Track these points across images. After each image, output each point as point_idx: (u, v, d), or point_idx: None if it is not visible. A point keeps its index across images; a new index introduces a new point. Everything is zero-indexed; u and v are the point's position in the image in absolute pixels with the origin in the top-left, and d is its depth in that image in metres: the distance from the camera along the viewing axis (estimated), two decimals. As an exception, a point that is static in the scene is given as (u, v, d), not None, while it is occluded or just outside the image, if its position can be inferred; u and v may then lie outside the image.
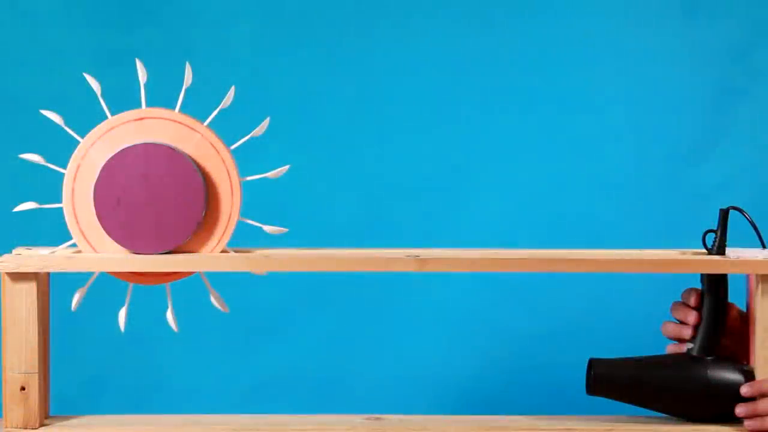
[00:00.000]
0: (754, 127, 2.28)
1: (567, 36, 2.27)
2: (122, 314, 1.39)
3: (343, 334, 2.25)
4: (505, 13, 2.28)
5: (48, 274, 1.39)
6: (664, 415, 1.41)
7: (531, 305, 2.23)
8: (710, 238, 1.41)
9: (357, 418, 1.41)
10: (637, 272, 1.38)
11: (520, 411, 1.46)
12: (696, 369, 1.39)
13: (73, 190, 1.37)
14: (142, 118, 1.38)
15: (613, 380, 1.40)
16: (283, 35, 2.28)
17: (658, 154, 2.28)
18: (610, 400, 1.42)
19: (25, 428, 1.36)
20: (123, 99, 2.28)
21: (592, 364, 1.40)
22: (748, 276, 1.39)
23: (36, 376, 1.35)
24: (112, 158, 1.36)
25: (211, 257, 1.37)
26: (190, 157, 1.35)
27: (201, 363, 2.25)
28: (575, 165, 2.27)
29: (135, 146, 1.36)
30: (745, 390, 1.37)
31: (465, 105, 2.26)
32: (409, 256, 1.37)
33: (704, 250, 1.42)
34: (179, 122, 1.38)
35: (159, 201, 1.35)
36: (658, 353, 1.45)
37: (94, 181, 1.36)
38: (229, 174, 1.37)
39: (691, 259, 1.39)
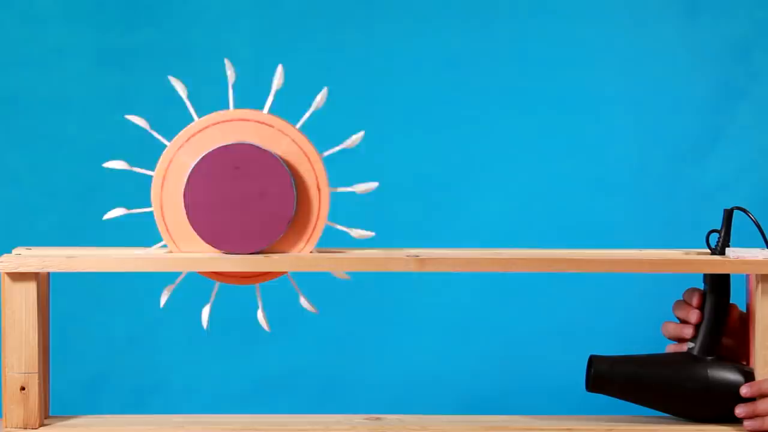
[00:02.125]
0: (754, 127, 2.28)
1: (567, 36, 2.27)
2: (205, 312, 1.39)
3: (342, 334, 2.25)
4: (506, 13, 2.28)
5: (48, 274, 1.39)
6: (664, 414, 1.41)
7: (531, 305, 2.24)
8: (714, 238, 1.41)
9: (357, 418, 1.41)
10: (638, 272, 1.38)
11: (519, 411, 1.46)
12: (696, 369, 1.39)
13: (161, 192, 1.37)
14: (230, 120, 1.37)
15: (613, 378, 1.40)
16: (283, 35, 2.28)
17: (659, 154, 2.28)
18: (609, 399, 1.42)
19: (25, 428, 1.36)
20: (123, 99, 2.29)
21: (593, 361, 1.41)
22: (748, 276, 1.39)
23: (36, 376, 1.35)
24: (203, 159, 1.35)
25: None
26: (280, 157, 1.36)
27: (201, 363, 2.25)
28: (575, 165, 2.27)
29: (225, 147, 1.35)
30: (745, 390, 1.37)
31: (465, 105, 2.26)
32: (409, 256, 1.37)
33: (708, 250, 1.42)
34: (267, 124, 1.37)
35: (249, 202, 1.35)
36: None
37: (184, 183, 1.36)
38: (316, 176, 1.37)
39: (691, 259, 1.39)
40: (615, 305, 2.25)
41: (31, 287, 1.35)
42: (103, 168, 2.27)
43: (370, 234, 1.39)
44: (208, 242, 1.36)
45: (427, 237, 2.20)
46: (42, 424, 1.37)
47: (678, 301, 1.43)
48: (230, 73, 1.40)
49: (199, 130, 1.38)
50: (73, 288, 2.05)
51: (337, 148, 1.39)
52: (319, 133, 2.29)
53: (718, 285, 1.40)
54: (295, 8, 2.27)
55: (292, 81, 2.30)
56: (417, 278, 2.19)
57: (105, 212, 2.26)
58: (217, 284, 1.39)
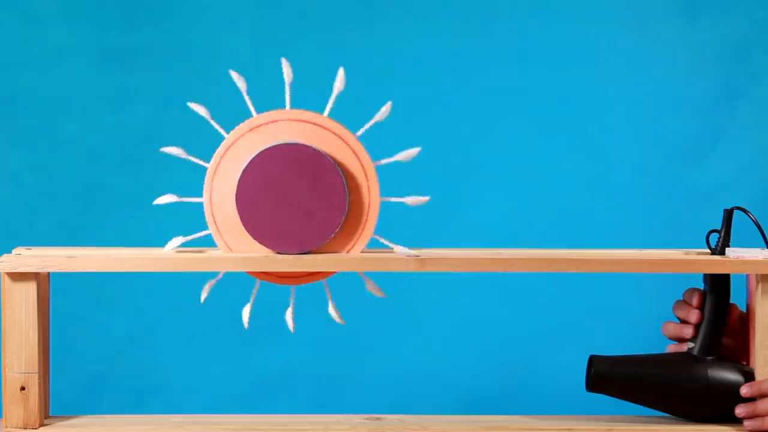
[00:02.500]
0: (754, 127, 2.28)
1: (567, 36, 2.27)
2: (246, 311, 1.39)
3: (342, 334, 2.25)
4: (506, 13, 2.28)
5: (48, 274, 1.39)
6: (663, 414, 1.41)
7: (531, 305, 2.24)
8: (714, 238, 1.41)
9: (357, 418, 1.41)
10: (638, 272, 1.38)
11: (519, 411, 1.46)
12: (696, 369, 1.39)
13: (212, 185, 1.37)
14: (286, 119, 1.37)
15: (613, 378, 1.40)
16: (283, 35, 2.28)
17: (659, 154, 2.28)
18: (609, 399, 1.42)
19: (25, 428, 1.36)
20: (123, 98, 2.29)
21: (593, 360, 1.41)
22: (748, 276, 1.39)
23: (36, 376, 1.35)
24: (256, 157, 1.35)
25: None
26: (332, 158, 1.36)
27: (201, 363, 2.25)
28: (575, 165, 2.27)
29: (279, 146, 1.35)
30: (745, 390, 1.37)
31: (465, 105, 2.26)
32: (409, 255, 1.37)
33: (708, 250, 1.42)
34: (320, 125, 1.37)
35: (301, 201, 1.35)
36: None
37: (237, 178, 1.35)
38: (367, 177, 1.37)
39: (691, 259, 1.39)
40: (615, 305, 2.25)
41: (31, 287, 1.35)
42: (103, 168, 2.28)
43: (425, 198, 1.38)
44: (256, 239, 1.36)
45: (427, 237, 2.20)
46: (42, 424, 1.37)
47: (678, 301, 1.43)
48: (287, 72, 1.39)
49: (255, 127, 1.37)
50: (73, 288, 2.05)
51: (390, 159, 1.39)
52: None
53: (718, 285, 1.40)
54: (295, 8, 2.27)
55: (292, 80, 2.30)
56: (417, 278, 2.19)
57: (105, 212, 2.27)
58: (258, 282, 1.39)
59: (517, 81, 2.26)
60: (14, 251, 1.37)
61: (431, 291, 2.24)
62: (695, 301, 1.41)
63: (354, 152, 1.37)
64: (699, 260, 1.39)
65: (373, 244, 1.38)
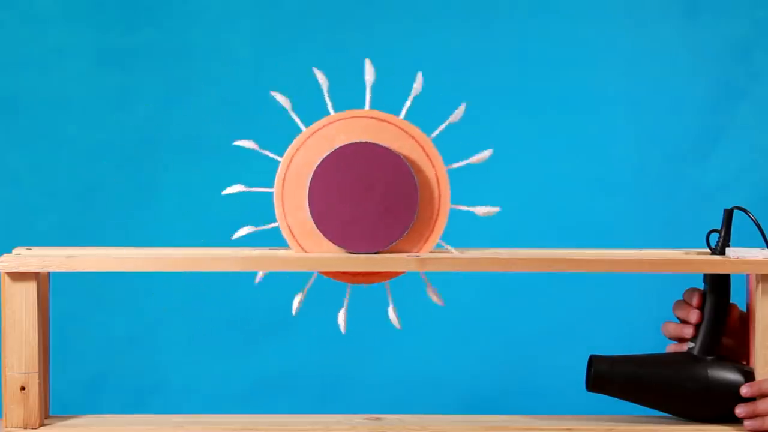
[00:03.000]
0: (755, 127, 2.28)
1: (567, 36, 2.27)
2: (341, 316, 1.39)
3: (342, 334, 2.25)
4: (506, 13, 2.28)
5: (48, 274, 1.39)
6: (663, 414, 1.41)
7: (531, 305, 2.24)
8: (714, 238, 1.41)
9: (357, 418, 1.41)
10: (638, 272, 1.38)
11: (519, 411, 1.46)
12: (696, 368, 1.39)
13: (284, 179, 1.37)
14: (360, 117, 1.37)
15: (613, 378, 1.40)
16: (283, 35, 2.28)
17: (659, 154, 2.28)
18: (609, 399, 1.42)
19: (25, 428, 1.36)
20: (123, 99, 2.29)
21: (593, 360, 1.41)
22: (748, 276, 1.39)
23: (36, 376, 1.35)
24: (330, 155, 1.35)
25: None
26: (405, 158, 1.36)
27: (201, 363, 2.25)
28: (575, 165, 2.27)
29: (353, 144, 1.35)
30: (745, 390, 1.37)
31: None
32: (409, 256, 1.37)
33: (708, 250, 1.42)
34: (395, 125, 1.37)
35: (373, 200, 1.35)
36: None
37: (309, 175, 1.35)
38: (438, 177, 1.37)
39: (691, 259, 1.39)
40: (615, 305, 2.25)
41: (31, 287, 1.35)
42: (103, 168, 2.28)
43: (495, 209, 1.39)
44: (328, 238, 1.36)
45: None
46: (42, 424, 1.37)
47: (678, 301, 1.43)
48: (369, 73, 1.39)
49: (329, 123, 1.37)
50: (73, 288, 2.05)
51: (463, 163, 1.39)
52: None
53: (718, 285, 1.40)
54: (295, 8, 2.27)
55: (292, 80, 2.30)
56: (417, 278, 2.19)
57: (105, 212, 2.27)
58: (314, 276, 1.39)
59: (517, 81, 2.26)
60: (14, 251, 1.37)
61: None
62: (695, 301, 1.41)
63: (427, 155, 1.37)
64: (699, 260, 1.39)
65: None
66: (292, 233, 1.38)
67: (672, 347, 1.44)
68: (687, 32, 2.27)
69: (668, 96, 2.28)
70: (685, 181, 2.28)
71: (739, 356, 1.42)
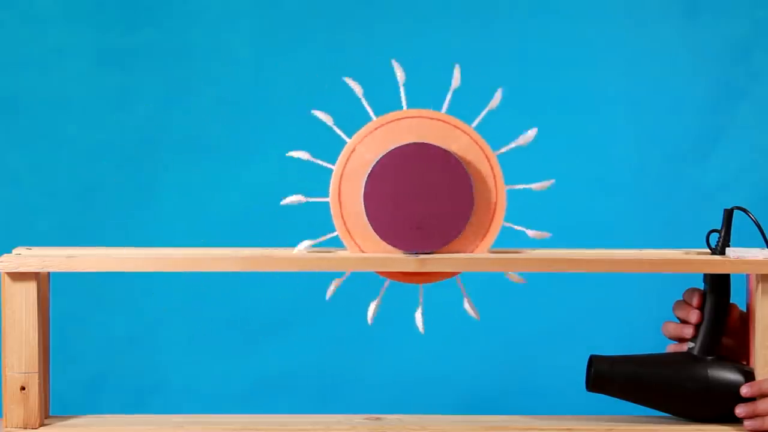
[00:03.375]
0: (755, 127, 2.28)
1: (567, 36, 2.27)
2: (372, 308, 1.39)
3: (342, 334, 2.25)
4: (506, 13, 2.28)
5: (48, 274, 1.39)
6: (663, 414, 1.41)
7: (531, 305, 2.23)
8: (714, 238, 1.41)
9: (357, 418, 1.41)
10: (638, 272, 1.38)
11: (519, 411, 1.46)
12: (696, 368, 1.39)
13: (340, 186, 1.37)
14: (407, 117, 1.37)
15: (613, 377, 1.40)
16: (283, 35, 2.28)
17: (659, 154, 2.28)
18: (609, 399, 1.42)
19: (25, 428, 1.36)
20: (123, 99, 2.29)
21: (593, 360, 1.41)
22: (748, 276, 1.39)
23: (36, 376, 1.35)
24: (384, 157, 1.35)
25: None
26: (460, 158, 1.36)
27: (201, 363, 2.25)
28: (575, 165, 2.27)
29: (406, 146, 1.35)
30: (745, 390, 1.37)
31: (464, 104, 2.26)
32: (409, 256, 1.37)
33: (708, 250, 1.42)
34: (445, 122, 1.38)
35: (428, 201, 1.35)
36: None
37: (364, 179, 1.36)
38: (494, 176, 1.37)
39: (691, 259, 1.39)
40: (615, 305, 2.25)
41: (31, 287, 1.35)
42: (103, 168, 2.28)
43: (546, 234, 1.39)
44: (383, 238, 1.36)
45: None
46: (42, 424, 1.37)
47: (678, 301, 1.43)
48: (400, 74, 1.39)
49: (377, 127, 1.38)
50: (73, 288, 2.05)
51: (511, 145, 1.39)
52: (320, 132, 2.30)
53: (718, 285, 1.40)
54: (295, 8, 2.27)
55: (292, 80, 2.30)
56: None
57: (105, 212, 2.27)
58: (388, 281, 1.39)
59: (517, 81, 2.26)
60: (14, 251, 1.37)
61: (431, 291, 2.24)
62: (695, 301, 1.41)
63: (477, 144, 1.37)
64: (699, 260, 1.39)
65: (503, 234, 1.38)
66: (349, 234, 1.38)
67: (672, 347, 1.44)
68: (687, 32, 2.27)
69: (668, 96, 2.28)
70: (685, 181, 2.27)
71: (739, 356, 1.42)
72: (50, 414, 1.41)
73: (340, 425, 1.38)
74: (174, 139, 2.27)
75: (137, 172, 2.26)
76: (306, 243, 1.39)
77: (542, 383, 2.22)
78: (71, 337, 2.17)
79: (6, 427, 1.35)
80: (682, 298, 1.43)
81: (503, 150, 1.39)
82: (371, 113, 1.39)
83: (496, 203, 1.38)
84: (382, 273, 1.38)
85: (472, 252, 1.38)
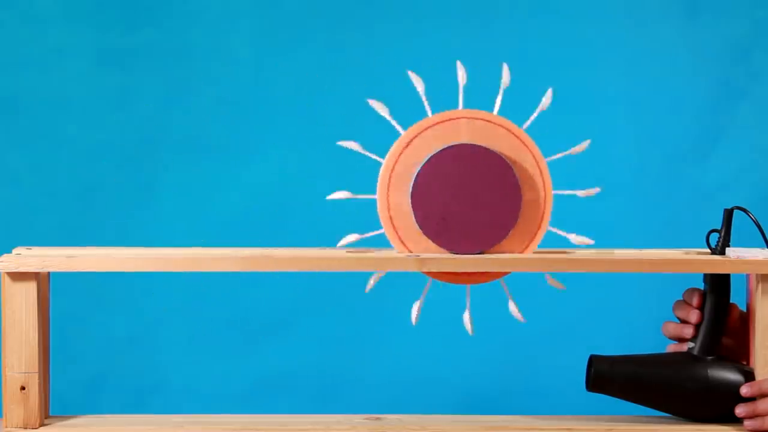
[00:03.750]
0: (755, 127, 2.28)
1: (567, 36, 2.27)
2: (415, 308, 1.39)
3: (343, 334, 2.25)
4: (506, 13, 2.28)
5: (48, 274, 1.39)
6: (663, 414, 1.41)
7: (531, 305, 2.23)
8: (714, 238, 1.41)
9: (357, 418, 1.41)
10: (638, 272, 1.38)
11: (519, 411, 1.46)
12: (696, 368, 1.39)
13: (389, 183, 1.37)
14: (457, 118, 1.37)
15: (613, 377, 1.40)
16: (283, 35, 2.28)
17: (659, 154, 2.28)
18: (609, 399, 1.42)
19: (25, 428, 1.36)
20: (123, 99, 2.29)
21: (593, 360, 1.41)
22: (748, 276, 1.39)
23: (36, 376, 1.35)
24: (433, 157, 1.35)
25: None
26: (508, 159, 1.36)
27: (201, 363, 2.25)
28: (575, 165, 2.26)
29: (455, 146, 1.36)
30: (745, 390, 1.37)
31: (465, 105, 2.26)
32: (409, 256, 1.37)
33: (708, 250, 1.42)
34: (497, 123, 1.38)
35: (477, 202, 1.35)
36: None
37: (412, 177, 1.36)
38: (542, 177, 1.38)
39: (691, 259, 1.39)
40: (615, 305, 2.25)
41: (31, 287, 1.35)
42: (103, 168, 2.28)
43: (589, 241, 1.39)
44: (432, 239, 1.36)
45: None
46: (42, 424, 1.37)
47: (678, 301, 1.43)
48: (461, 74, 1.39)
49: (428, 127, 1.37)
50: (73, 288, 2.05)
51: (561, 154, 1.39)
52: (320, 132, 2.30)
53: (718, 285, 1.40)
54: (295, 8, 2.27)
55: (292, 80, 2.30)
56: (417, 278, 2.19)
57: (105, 212, 2.27)
58: (430, 281, 1.39)
59: (517, 81, 2.26)
60: (14, 251, 1.37)
61: (431, 291, 2.24)
62: (695, 301, 1.41)
63: (527, 147, 1.38)
64: (699, 260, 1.39)
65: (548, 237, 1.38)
66: (397, 234, 1.38)
67: (672, 347, 1.44)
68: (687, 32, 2.27)
69: (668, 96, 2.28)
70: (685, 181, 2.27)
71: (739, 356, 1.42)
72: (50, 414, 1.41)
73: (340, 425, 1.38)
74: (174, 139, 2.27)
75: (137, 172, 2.26)
76: (351, 237, 1.38)
77: (542, 383, 2.22)
78: (71, 337, 2.17)
79: (6, 427, 1.35)
80: (682, 299, 1.43)
81: (554, 157, 1.39)
82: (428, 110, 1.39)
83: (543, 206, 1.38)
84: (429, 273, 1.38)
85: (521, 252, 1.38)
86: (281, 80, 2.27)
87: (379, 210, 1.38)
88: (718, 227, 1.41)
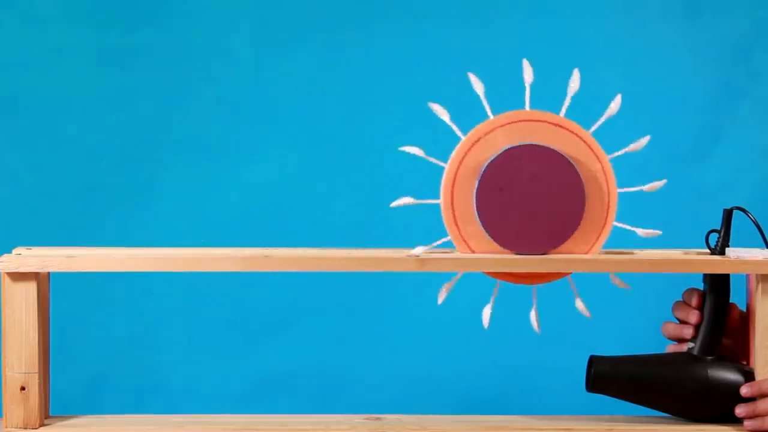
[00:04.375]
0: (755, 127, 2.28)
1: (567, 36, 2.27)
2: (486, 312, 1.39)
3: (342, 334, 2.25)
4: (505, 13, 2.28)
5: (48, 274, 1.39)
6: (663, 414, 1.41)
7: (531, 305, 2.23)
8: (713, 238, 1.41)
9: (357, 418, 1.41)
10: (638, 272, 1.38)
11: (519, 411, 1.46)
12: (696, 369, 1.39)
13: (453, 187, 1.37)
14: (522, 120, 1.37)
15: (613, 378, 1.40)
16: (283, 35, 2.28)
17: (659, 154, 2.28)
18: (609, 400, 1.42)
19: (25, 428, 1.36)
20: (123, 99, 2.29)
21: (593, 361, 1.41)
22: (748, 276, 1.39)
23: (36, 376, 1.35)
24: (496, 159, 1.36)
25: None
26: (573, 159, 1.36)
27: (201, 363, 2.25)
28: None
29: (520, 147, 1.36)
30: (745, 390, 1.37)
31: (464, 104, 2.26)
32: (409, 256, 1.37)
33: (707, 250, 1.42)
34: (560, 126, 1.38)
35: (541, 202, 1.35)
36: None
37: (477, 179, 1.36)
38: (606, 177, 1.38)
39: (691, 259, 1.39)
40: (615, 305, 2.25)
41: (31, 287, 1.35)
42: (103, 168, 2.28)
43: (657, 232, 1.39)
44: (497, 241, 1.36)
45: (427, 237, 2.20)
46: (42, 424, 1.37)
47: (677, 302, 1.43)
48: (528, 73, 1.39)
49: (492, 130, 1.37)
50: (73, 288, 2.05)
51: (623, 151, 1.40)
52: (320, 132, 2.29)
53: (717, 285, 1.40)
54: (295, 8, 2.27)
55: (292, 80, 2.30)
56: (417, 278, 2.19)
57: (105, 212, 2.27)
58: (499, 283, 1.39)
59: (517, 81, 2.26)
60: (14, 251, 1.37)
61: (431, 291, 2.24)
62: (694, 301, 1.41)
63: (590, 148, 1.38)
64: (699, 260, 1.39)
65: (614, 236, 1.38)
66: (460, 234, 1.38)
67: (671, 347, 1.44)
68: (687, 32, 2.27)
69: (668, 96, 2.28)
70: (685, 181, 2.27)
71: (739, 356, 1.42)
72: (50, 414, 1.41)
73: (340, 425, 1.38)
74: (174, 139, 2.27)
75: (137, 172, 2.26)
76: (406, 199, 1.38)
77: (542, 383, 2.22)
78: (71, 337, 2.17)
79: (6, 427, 1.35)
80: (681, 299, 1.43)
81: (616, 154, 1.39)
82: (489, 112, 1.39)
83: (608, 205, 1.38)
84: (490, 273, 1.38)
85: (585, 253, 1.38)
86: (281, 80, 2.27)
87: (442, 211, 1.38)
88: (718, 227, 1.41)
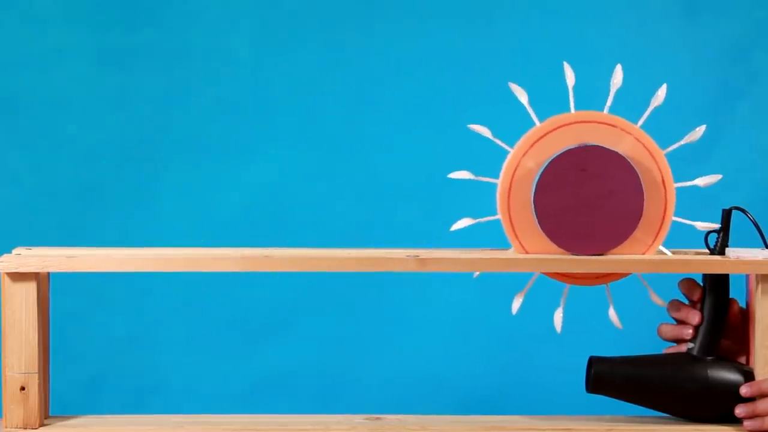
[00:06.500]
0: (754, 127, 2.28)
1: (567, 36, 2.27)
2: (558, 315, 1.39)
3: (342, 334, 2.25)
4: (505, 12, 2.28)
5: (48, 274, 1.39)
6: (663, 414, 1.41)
7: (531, 305, 2.23)
8: (713, 239, 1.41)
9: (357, 418, 1.41)
10: (637, 272, 1.38)
11: (519, 411, 1.46)
12: (696, 369, 1.39)
13: (509, 198, 1.37)
14: (571, 123, 1.38)
15: (612, 379, 1.40)
16: (283, 35, 2.28)
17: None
18: (609, 400, 1.42)
19: (25, 428, 1.36)
20: (123, 99, 2.29)
21: (592, 362, 1.41)
22: (748, 276, 1.39)
23: (36, 376, 1.35)
24: (551, 164, 1.36)
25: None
26: (627, 156, 1.36)
27: (201, 363, 2.25)
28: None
29: (572, 150, 1.36)
30: (744, 390, 1.37)
31: (465, 104, 2.26)
32: (409, 256, 1.37)
33: (707, 250, 1.42)
34: (609, 123, 1.38)
35: (598, 203, 1.35)
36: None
37: (532, 188, 1.36)
38: (662, 173, 1.38)
39: (690, 259, 1.39)
40: (615, 305, 2.25)
41: (31, 287, 1.35)
42: (103, 168, 2.28)
43: (714, 226, 1.38)
44: (559, 245, 1.37)
45: (427, 237, 2.20)
46: (42, 424, 1.37)
47: (673, 301, 1.43)
48: (570, 76, 1.39)
49: (543, 135, 1.38)
50: (73, 288, 2.05)
51: (679, 144, 1.40)
52: (320, 132, 2.29)
53: (717, 285, 1.40)
54: (295, 8, 2.27)
55: (292, 80, 2.30)
56: (417, 278, 2.19)
57: (105, 212, 2.27)
58: (568, 286, 1.39)
59: (517, 81, 2.26)
60: (14, 251, 1.37)
61: (431, 291, 2.24)
62: (696, 295, 1.41)
63: (642, 144, 1.38)
64: (698, 260, 1.39)
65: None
66: (515, 232, 1.38)
67: (669, 349, 1.44)
68: (687, 32, 2.27)
69: (668, 96, 2.28)
70: (685, 181, 2.27)
71: (739, 356, 1.42)
72: (50, 414, 1.41)
73: (340, 425, 1.38)
74: (174, 139, 2.27)
75: (137, 172, 2.26)
76: (465, 221, 1.39)
77: (542, 383, 2.22)
78: (71, 337, 2.17)
79: (6, 427, 1.35)
80: (678, 298, 1.43)
81: (671, 148, 1.40)
82: (535, 119, 1.39)
83: (666, 202, 1.38)
84: (550, 274, 1.38)
85: (643, 253, 1.38)
86: (281, 80, 2.27)
87: (499, 207, 1.38)
88: (718, 228, 1.41)
